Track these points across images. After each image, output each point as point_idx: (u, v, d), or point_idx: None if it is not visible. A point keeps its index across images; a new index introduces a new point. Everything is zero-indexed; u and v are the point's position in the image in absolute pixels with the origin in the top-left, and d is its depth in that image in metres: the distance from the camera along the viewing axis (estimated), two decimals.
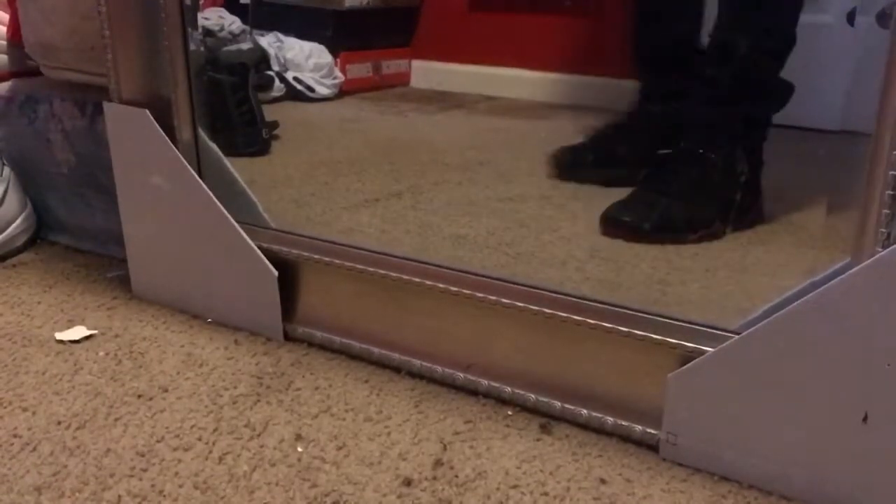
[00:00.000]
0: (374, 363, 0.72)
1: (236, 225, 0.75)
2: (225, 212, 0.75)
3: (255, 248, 0.75)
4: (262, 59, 1.73)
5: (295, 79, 1.81)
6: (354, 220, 1.04)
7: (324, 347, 0.74)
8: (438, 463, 0.58)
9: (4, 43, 1.07)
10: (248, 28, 1.73)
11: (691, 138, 1.06)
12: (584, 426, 0.62)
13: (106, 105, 0.80)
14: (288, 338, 0.76)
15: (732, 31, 1.02)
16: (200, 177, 0.77)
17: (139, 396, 0.66)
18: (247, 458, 0.58)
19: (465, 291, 0.66)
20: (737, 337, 0.55)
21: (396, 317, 0.71)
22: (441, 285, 0.67)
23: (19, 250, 0.97)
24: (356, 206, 1.09)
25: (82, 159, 0.94)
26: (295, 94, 1.80)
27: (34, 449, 0.59)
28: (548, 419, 0.64)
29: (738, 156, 1.00)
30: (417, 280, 0.68)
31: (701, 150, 1.03)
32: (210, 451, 0.59)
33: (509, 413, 0.65)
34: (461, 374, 0.67)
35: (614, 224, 0.98)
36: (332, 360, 0.73)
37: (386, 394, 0.67)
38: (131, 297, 0.85)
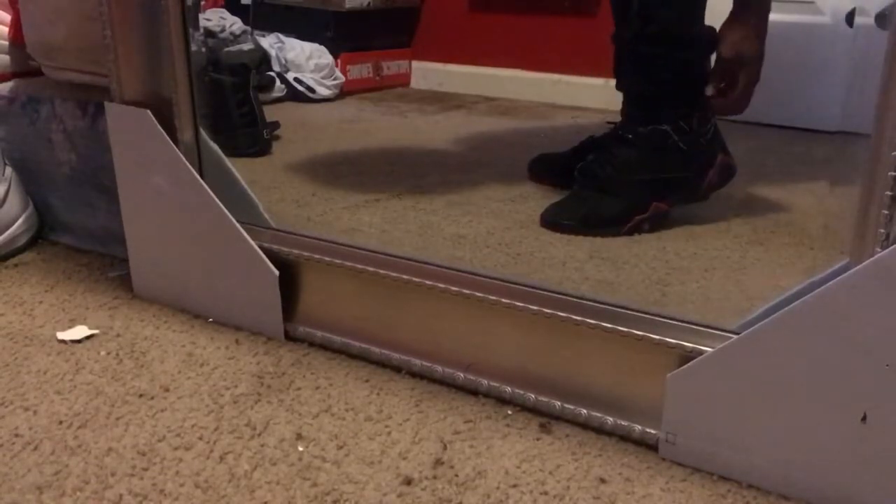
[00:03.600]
0: (374, 363, 0.72)
1: (237, 225, 0.75)
2: (226, 212, 0.75)
3: (256, 247, 0.75)
4: (263, 59, 1.73)
5: (296, 79, 1.81)
6: (355, 220, 1.04)
7: (324, 347, 0.75)
8: (438, 462, 0.58)
9: (6, 43, 1.07)
10: (249, 29, 1.74)
11: (621, 123, 1.05)
12: (584, 426, 0.63)
13: (107, 105, 0.80)
14: (288, 337, 0.76)
15: None
16: (202, 177, 0.77)
17: (140, 396, 0.66)
18: (248, 458, 0.58)
19: (465, 291, 0.66)
20: (736, 337, 0.55)
21: (396, 317, 0.71)
22: (441, 285, 0.67)
23: (21, 250, 0.98)
24: (356, 206, 1.09)
25: (84, 159, 0.95)
26: (296, 95, 1.81)
27: (35, 448, 0.59)
28: (547, 419, 0.64)
29: (666, 131, 0.98)
30: (417, 280, 0.68)
31: (620, 132, 1.02)
32: (211, 451, 0.59)
33: (509, 413, 0.65)
34: (461, 374, 0.67)
35: (547, 223, 1.01)
36: (333, 360, 0.73)
37: (386, 393, 0.67)
38: (133, 297, 0.85)
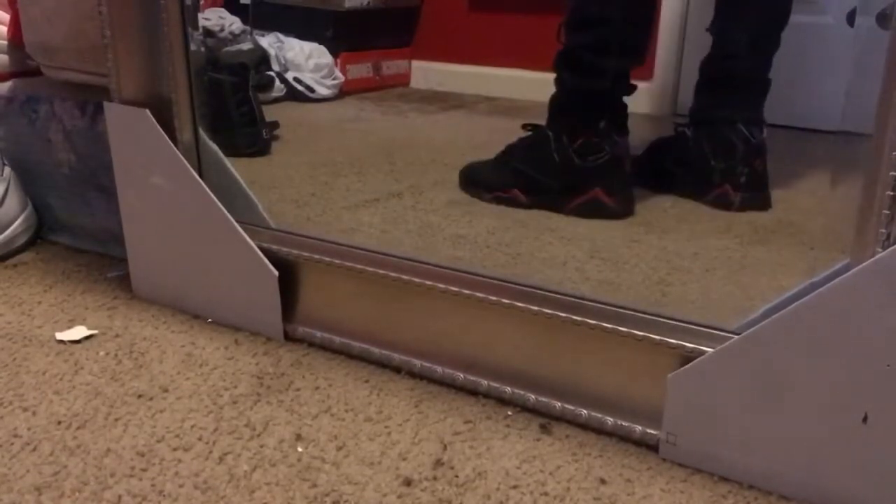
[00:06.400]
0: (374, 363, 0.72)
1: (237, 225, 0.75)
2: (225, 212, 0.75)
3: (256, 248, 0.75)
4: (263, 59, 1.73)
5: (295, 79, 1.81)
6: (354, 219, 1.04)
7: (324, 347, 0.74)
8: (438, 463, 0.58)
9: (5, 43, 1.07)
10: (248, 28, 1.74)
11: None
12: (584, 426, 0.62)
13: (106, 105, 0.80)
14: (288, 338, 0.76)
15: (736, 29, 1.07)
16: (201, 177, 0.77)
17: (139, 396, 0.66)
18: (247, 458, 0.58)
19: (465, 291, 0.66)
20: (736, 337, 0.55)
21: (396, 317, 0.71)
22: (441, 285, 0.67)
23: (20, 250, 0.98)
24: (356, 206, 1.09)
25: (83, 159, 0.95)
26: (295, 95, 1.80)
27: (34, 449, 0.59)
28: (548, 419, 0.64)
29: (546, 135, 1.08)
30: (417, 280, 0.68)
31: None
32: (210, 451, 0.59)
33: (509, 413, 0.65)
34: (461, 375, 0.67)
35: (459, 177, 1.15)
36: (332, 360, 0.73)
37: (386, 394, 0.67)
38: (132, 297, 0.85)
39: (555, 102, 1.08)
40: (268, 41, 1.81)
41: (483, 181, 1.12)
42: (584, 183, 1.04)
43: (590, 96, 1.05)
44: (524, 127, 1.12)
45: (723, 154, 1.08)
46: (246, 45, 1.71)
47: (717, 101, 1.11)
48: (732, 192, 1.06)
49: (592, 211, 1.04)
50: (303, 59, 1.83)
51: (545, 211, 1.06)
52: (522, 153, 1.09)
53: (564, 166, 1.05)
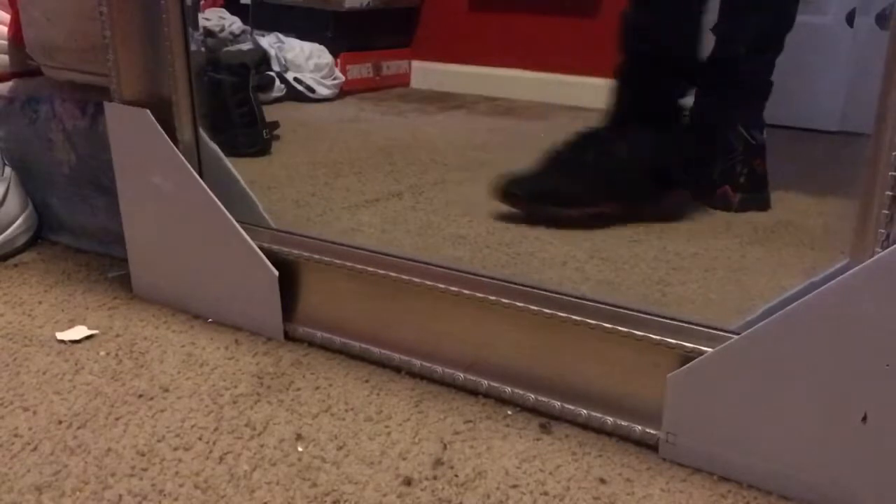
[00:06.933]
0: (374, 363, 0.72)
1: (237, 225, 0.75)
2: (225, 212, 0.75)
3: (256, 248, 0.75)
4: (263, 59, 1.73)
5: (295, 79, 1.81)
6: (355, 220, 1.04)
7: (324, 347, 0.74)
8: (438, 462, 0.58)
9: (6, 43, 1.07)
10: (248, 29, 1.74)
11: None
12: (584, 426, 0.63)
13: (107, 105, 0.80)
14: (288, 337, 0.76)
15: (733, 38, 1.07)
16: (201, 177, 0.77)
17: (140, 396, 0.66)
18: (247, 458, 0.58)
19: (465, 291, 0.66)
20: (736, 337, 0.55)
21: (397, 317, 0.71)
22: (441, 285, 0.67)
23: (20, 250, 0.98)
24: (356, 206, 1.09)
25: (83, 159, 0.95)
26: (295, 95, 1.80)
27: (35, 448, 0.59)
28: (547, 419, 0.64)
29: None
30: (417, 280, 0.68)
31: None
32: (210, 451, 0.59)
33: (509, 413, 0.65)
34: (461, 374, 0.67)
35: (503, 195, 1.04)
36: (333, 360, 0.73)
37: (386, 393, 0.67)
38: (132, 297, 0.85)
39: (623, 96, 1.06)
40: (268, 41, 1.81)
41: (553, 195, 1.02)
42: (596, 190, 1.02)
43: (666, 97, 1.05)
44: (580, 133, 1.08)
45: (723, 155, 1.08)
46: (246, 46, 1.71)
47: (717, 102, 1.11)
48: (732, 192, 1.06)
49: (595, 221, 1.01)
50: (303, 59, 1.83)
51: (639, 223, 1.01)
52: (606, 161, 1.02)
53: (649, 169, 1.02)
